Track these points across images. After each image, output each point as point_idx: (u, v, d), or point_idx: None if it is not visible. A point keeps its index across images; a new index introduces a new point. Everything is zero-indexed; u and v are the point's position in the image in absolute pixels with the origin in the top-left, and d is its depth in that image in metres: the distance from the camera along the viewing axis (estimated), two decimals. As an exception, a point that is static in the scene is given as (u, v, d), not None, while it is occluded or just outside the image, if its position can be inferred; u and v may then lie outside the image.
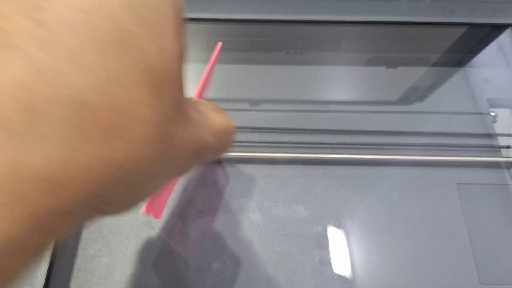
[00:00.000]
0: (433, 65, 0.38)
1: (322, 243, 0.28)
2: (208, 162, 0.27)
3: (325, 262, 0.27)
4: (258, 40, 0.40)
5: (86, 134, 0.10)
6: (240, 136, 0.32)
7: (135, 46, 0.11)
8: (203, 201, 0.29)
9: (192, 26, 0.39)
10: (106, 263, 0.26)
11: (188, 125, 0.13)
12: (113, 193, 0.11)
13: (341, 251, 0.28)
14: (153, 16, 0.11)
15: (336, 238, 0.28)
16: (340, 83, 0.37)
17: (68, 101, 0.10)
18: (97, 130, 0.10)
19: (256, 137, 0.32)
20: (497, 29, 0.39)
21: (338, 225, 0.29)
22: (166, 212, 0.28)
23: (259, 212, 0.29)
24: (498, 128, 0.35)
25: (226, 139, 0.16)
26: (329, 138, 0.33)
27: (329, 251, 0.27)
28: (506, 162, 0.32)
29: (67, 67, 0.10)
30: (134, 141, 0.11)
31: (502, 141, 0.34)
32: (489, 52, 0.39)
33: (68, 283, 0.26)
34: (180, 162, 0.14)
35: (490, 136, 0.34)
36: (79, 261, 0.26)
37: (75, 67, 0.10)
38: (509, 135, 0.34)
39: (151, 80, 0.11)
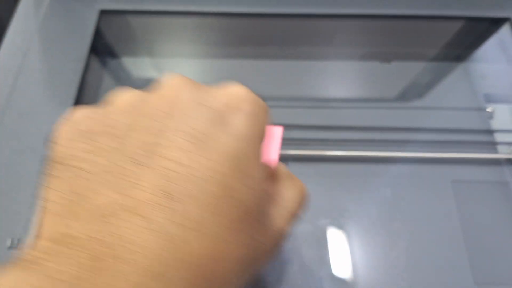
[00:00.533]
0: (428, 60, 0.38)
1: (312, 242, 0.27)
2: None
3: (316, 260, 0.26)
4: (250, 35, 0.39)
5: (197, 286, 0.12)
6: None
7: (237, 199, 0.13)
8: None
9: (190, 21, 0.38)
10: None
11: (270, 225, 0.15)
12: None
13: (333, 249, 0.27)
14: (246, 164, 0.14)
15: (328, 236, 0.27)
16: (333, 78, 0.36)
17: (189, 265, 0.11)
18: (203, 281, 0.12)
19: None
20: (494, 23, 0.38)
21: (330, 223, 0.28)
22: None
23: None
24: (495, 124, 0.34)
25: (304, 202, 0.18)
26: (321, 135, 0.32)
27: (320, 249, 0.27)
28: (503, 159, 0.31)
29: (191, 236, 0.11)
30: (222, 279, 0.13)
31: (499, 137, 0.33)
32: (486, 47, 0.38)
33: None
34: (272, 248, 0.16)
35: (486, 132, 0.33)
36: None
37: (198, 234, 0.12)
38: (506, 131, 0.34)
39: (243, 218, 0.13)
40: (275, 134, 0.29)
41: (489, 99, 0.35)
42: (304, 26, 0.39)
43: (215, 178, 0.12)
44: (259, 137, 0.15)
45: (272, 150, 0.28)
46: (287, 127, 0.31)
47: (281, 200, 0.17)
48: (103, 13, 0.36)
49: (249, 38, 0.39)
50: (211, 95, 0.15)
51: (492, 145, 0.32)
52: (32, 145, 0.28)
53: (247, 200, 0.13)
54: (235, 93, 0.15)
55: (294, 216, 0.17)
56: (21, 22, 0.35)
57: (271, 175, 0.18)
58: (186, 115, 0.13)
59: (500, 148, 0.32)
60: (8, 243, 0.24)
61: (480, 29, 0.39)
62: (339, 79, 0.36)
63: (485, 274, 0.26)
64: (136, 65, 0.36)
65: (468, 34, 0.39)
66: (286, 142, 0.31)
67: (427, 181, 0.30)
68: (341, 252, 0.27)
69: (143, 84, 0.34)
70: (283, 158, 0.30)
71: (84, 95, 0.32)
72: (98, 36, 0.35)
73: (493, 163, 0.31)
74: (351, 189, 0.29)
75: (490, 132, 0.33)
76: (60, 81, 0.31)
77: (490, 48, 0.38)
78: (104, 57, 0.36)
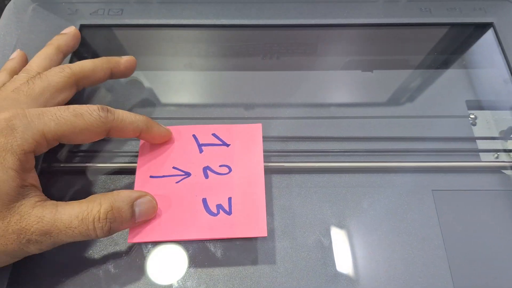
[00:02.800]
0: (410, 67, 0.37)
1: (294, 253, 0.27)
2: None
3: (308, 270, 0.26)
4: (233, 46, 0.39)
5: None
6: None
7: None
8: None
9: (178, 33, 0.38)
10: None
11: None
12: None
13: (317, 259, 0.27)
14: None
15: (311, 246, 0.27)
16: (316, 88, 0.36)
17: None
18: None
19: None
20: (477, 28, 0.38)
21: (311, 234, 0.28)
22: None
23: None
24: (477, 131, 0.34)
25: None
26: (303, 146, 0.32)
27: (304, 259, 0.26)
28: (484, 167, 0.31)
29: None
30: None
31: (481, 144, 0.33)
32: (468, 52, 0.38)
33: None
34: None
35: (469, 139, 0.33)
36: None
37: None
38: (488, 138, 0.33)
39: None
40: (256, 131, 0.29)
41: (472, 105, 0.35)
42: (288, 37, 0.39)
43: None
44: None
45: (256, 147, 0.28)
46: (269, 139, 0.32)
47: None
48: (84, 27, 0.36)
49: (232, 48, 0.39)
50: None
51: (475, 153, 0.32)
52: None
53: None
54: None
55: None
56: (1, 37, 0.35)
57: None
58: None
59: (482, 155, 0.32)
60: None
61: (463, 35, 0.39)
62: (321, 88, 0.36)
63: (466, 282, 0.26)
64: (116, 80, 0.36)
65: (451, 41, 0.38)
66: (270, 153, 0.31)
67: (408, 190, 0.30)
68: (325, 262, 0.27)
69: (124, 97, 0.35)
70: (268, 170, 0.30)
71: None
72: (78, 51, 0.35)
73: (475, 171, 0.31)
74: (330, 199, 0.29)
75: (472, 139, 0.33)
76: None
77: (473, 54, 0.37)
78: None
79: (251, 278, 0.26)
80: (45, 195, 0.24)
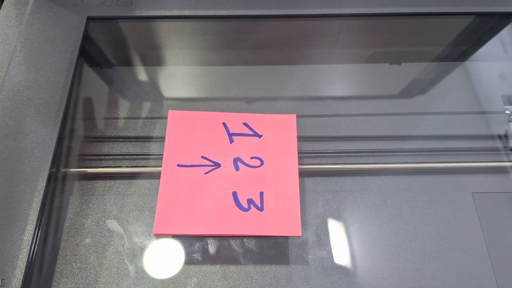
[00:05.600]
0: (442, 59, 0.35)
1: (326, 265, 0.25)
2: None
3: (331, 285, 0.24)
4: (251, 37, 0.37)
5: None
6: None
7: None
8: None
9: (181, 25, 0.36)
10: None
11: None
12: None
13: (348, 272, 0.25)
14: None
15: (344, 257, 0.25)
16: (339, 82, 0.33)
17: None
18: None
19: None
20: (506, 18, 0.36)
21: (347, 242, 0.26)
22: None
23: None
24: (515, 127, 0.32)
25: None
26: (329, 145, 0.30)
27: (335, 272, 0.25)
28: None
29: None
30: None
31: (520, 142, 0.31)
32: (504, 44, 0.35)
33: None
34: None
35: (506, 137, 0.31)
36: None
37: None
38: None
39: None
40: (290, 122, 0.28)
41: (508, 100, 0.33)
42: (307, 28, 0.36)
43: None
44: None
45: (290, 139, 0.27)
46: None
47: None
48: (91, 19, 0.33)
49: (245, 41, 0.37)
50: None
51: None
52: (18, 168, 0.26)
53: None
54: None
55: None
56: (0, 30, 0.32)
57: None
58: None
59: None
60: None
61: (498, 26, 0.36)
62: (345, 84, 0.33)
63: (511, 285, 0.25)
64: (125, 72, 0.34)
65: (484, 31, 0.36)
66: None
67: (447, 193, 0.28)
68: (358, 272, 0.25)
69: (132, 90, 0.32)
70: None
71: (72, 107, 0.30)
72: (86, 43, 0.32)
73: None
74: (366, 204, 0.27)
75: (510, 136, 0.31)
76: (47, 90, 0.29)
77: (508, 45, 0.35)
78: (93, 63, 0.34)
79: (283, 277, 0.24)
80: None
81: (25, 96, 0.29)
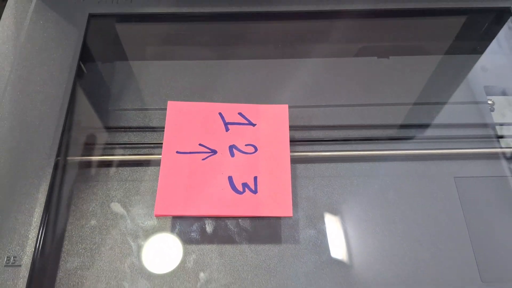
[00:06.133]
0: (427, 53, 0.37)
1: (317, 244, 0.26)
2: None
3: (321, 263, 0.26)
4: (243, 35, 0.38)
5: None
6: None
7: None
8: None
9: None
10: (89, 276, 0.25)
11: None
12: None
13: (337, 251, 0.26)
14: None
15: (331, 237, 0.27)
16: (329, 75, 0.35)
17: None
18: None
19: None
20: (494, 14, 0.38)
21: (335, 224, 0.27)
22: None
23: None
24: (496, 117, 0.33)
25: None
26: (320, 134, 0.31)
27: (324, 250, 0.26)
28: (505, 153, 0.31)
29: None
30: None
31: (500, 130, 0.32)
32: (486, 38, 0.37)
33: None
34: None
35: (487, 126, 0.33)
36: (60, 275, 0.25)
37: None
38: (507, 124, 0.33)
39: None
40: (282, 111, 0.29)
41: (490, 91, 0.34)
42: (298, 25, 0.38)
43: None
44: None
45: (282, 127, 0.29)
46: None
47: None
48: (92, 16, 0.35)
49: (240, 37, 0.38)
50: None
51: (493, 139, 0.32)
52: (26, 157, 0.27)
53: None
54: None
55: None
56: (4, 28, 0.34)
57: None
58: None
59: (502, 141, 0.32)
60: (5, 260, 0.24)
61: (481, 21, 0.38)
62: (335, 76, 0.35)
63: (492, 271, 0.26)
64: (125, 66, 0.35)
65: (467, 26, 0.38)
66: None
67: (430, 178, 0.30)
68: (346, 253, 0.26)
69: (132, 83, 0.34)
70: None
71: (76, 100, 0.31)
72: (88, 38, 0.34)
73: (496, 157, 0.31)
74: (352, 189, 0.29)
75: (491, 125, 0.32)
76: (52, 84, 0.31)
77: (490, 39, 0.37)
78: (95, 58, 0.35)
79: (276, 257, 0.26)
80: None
81: (31, 90, 0.30)
